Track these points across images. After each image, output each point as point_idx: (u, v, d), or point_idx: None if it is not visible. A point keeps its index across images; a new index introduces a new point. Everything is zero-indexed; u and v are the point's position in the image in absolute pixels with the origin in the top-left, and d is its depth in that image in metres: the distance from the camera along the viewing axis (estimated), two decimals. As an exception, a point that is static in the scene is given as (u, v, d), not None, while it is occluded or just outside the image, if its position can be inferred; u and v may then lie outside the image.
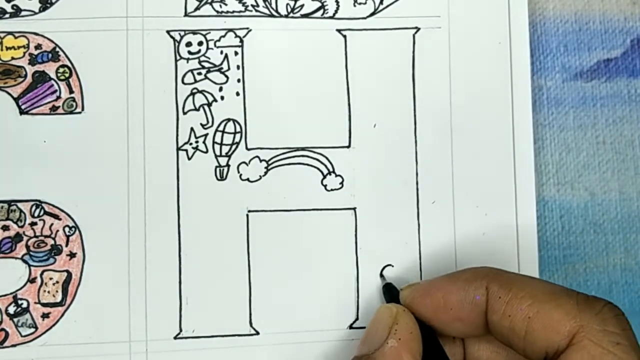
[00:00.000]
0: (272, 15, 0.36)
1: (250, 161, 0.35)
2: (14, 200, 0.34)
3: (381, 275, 0.35)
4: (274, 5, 0.36)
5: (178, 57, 0.35)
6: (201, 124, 0.35)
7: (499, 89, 0.36)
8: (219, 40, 0.35)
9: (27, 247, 0.34)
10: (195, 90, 0.35)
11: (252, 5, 0.36)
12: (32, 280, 0.34)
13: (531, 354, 0.28)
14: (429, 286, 0.31)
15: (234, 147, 0.35)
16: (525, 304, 0.28)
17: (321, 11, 0.36)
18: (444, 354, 0.30)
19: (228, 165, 0.35)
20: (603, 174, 0.38)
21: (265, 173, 0.35)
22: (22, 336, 0.34)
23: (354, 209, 0.35)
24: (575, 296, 0.28)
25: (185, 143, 0.35)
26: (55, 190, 0.34)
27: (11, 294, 0.34)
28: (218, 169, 0.35)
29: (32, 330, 0.34)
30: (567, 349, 0.27)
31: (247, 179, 0.35)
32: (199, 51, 0.35)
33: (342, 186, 0.36)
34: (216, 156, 0.35)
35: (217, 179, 0.35)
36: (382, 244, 0.35)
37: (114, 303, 0.34)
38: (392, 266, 0.35)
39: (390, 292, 0.33)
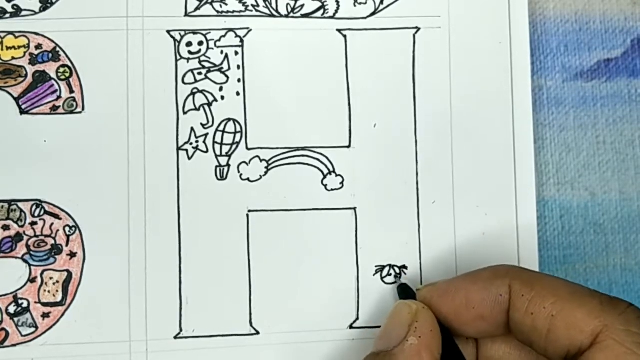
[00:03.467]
0: (272, 15, 0.36)
1: (250, 161, 0.35)
2: (14, 200, 0.34)
3: (396, 275, 0.35)
4: (274, 5, 0.36)
5: (178, 57, 0.35)
6: (201, 124, 0.35)
7: (499, 89, 0.36)
8: (219, 40, 0.35)
9: (28, 246, 0.34)
10: (195, 90, 0.35)
11: (253, 5, 0.36)
12: (32, 280, 0.34)
13: (552, 353, 0.28)
14: (449, 285, 0.31)
15: (234, 146, 0.35)
16: (549, 302, 0.28)
17: (321, 11, 0.36)
18: (461, 354, 0.30)
19: (228, 165, 0.35)
20: (603, 174, 0.38)
21: (266, 173, 0.35)
22: (22, 336, 0.34)
23: (354, 208, 0.35)
24: (598, 296, 0.28)
25: (186, 143, 0.35)
26: (56, 190, 0.34)
27: (11, 293, 0.34)
28: (218, 169, 0.35)
29: (33, 329, 0.34)
30: (590, 348, 0.27)
31: (248, 179, 0.35)
32: (200, 51, 0.35)
33: (343, 186, 0.36)
34: (216, 156, 0.35)
35: (218, 179, 0.35)
36: (382, 243, 0.35)
37: (114, 303, 0.34)
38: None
39: (405, 293, 0.33)
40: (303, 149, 0.35)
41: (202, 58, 0.35)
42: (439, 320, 0.30)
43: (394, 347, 0.29)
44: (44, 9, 0.35)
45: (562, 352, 0.28)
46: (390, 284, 0.35)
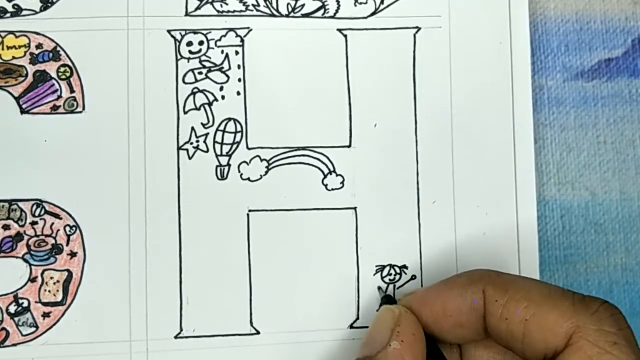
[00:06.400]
0: (272, 15, 0.36)
1: (250, 160, 0.35)
2: (14, 200, 0.34)
3: (379, 287, 0.35)
4: (274, 5, 0.36)
5: (179, 57, 0.35)
6: (202, 124, 0.35)
7: (499, 89, 0.36)
8: (219, 40, 0.35)
9: (28, 246, 0.34)
10: (196, 90, 0.35)
11: (253, 5, 0.36)
12: (32, 280, 0.34)
13: (531, 356, 0.28)
14: (426, 294, 0.31)
15: (234, 146, 0.35)
16: (522, 306, 0.28)
17: (322, 11, 0.36)
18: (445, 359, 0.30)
19: (229, 165, 0.35)
20: (604, 173, 0.38)
21: (266, 172, 0.35)
22: (22, 335, 0.34)
23: (355, 208, 0.35)
24: (571, 296, 0.28)
25: (186, 142, 0.35)
26: (56, 190, 0.34)
27: (12, 293, 0.34)
28: (219, 169, 0.35)
29: (33, 329, 0.34)
30: (565, 350, 0.27)
31: (248, 179, 0.35)
32: (200, 50, 0.35)
33: (343, 186, 0.36)
34: (217, 155, 0.35)
35: (218, 179, 0.35)
36: (382, 243, 0.35)
37: (115, 302, 0.34)
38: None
39: (389, 303, 0.33)
40: (303, 148, 0.35)
41: (203, 57, 0.35)
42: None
43: (377, 352, 0.29)
44: (44, 8, 0.35)
45: (540, 355, 0.28)
46: (390, 283, 0.35)
